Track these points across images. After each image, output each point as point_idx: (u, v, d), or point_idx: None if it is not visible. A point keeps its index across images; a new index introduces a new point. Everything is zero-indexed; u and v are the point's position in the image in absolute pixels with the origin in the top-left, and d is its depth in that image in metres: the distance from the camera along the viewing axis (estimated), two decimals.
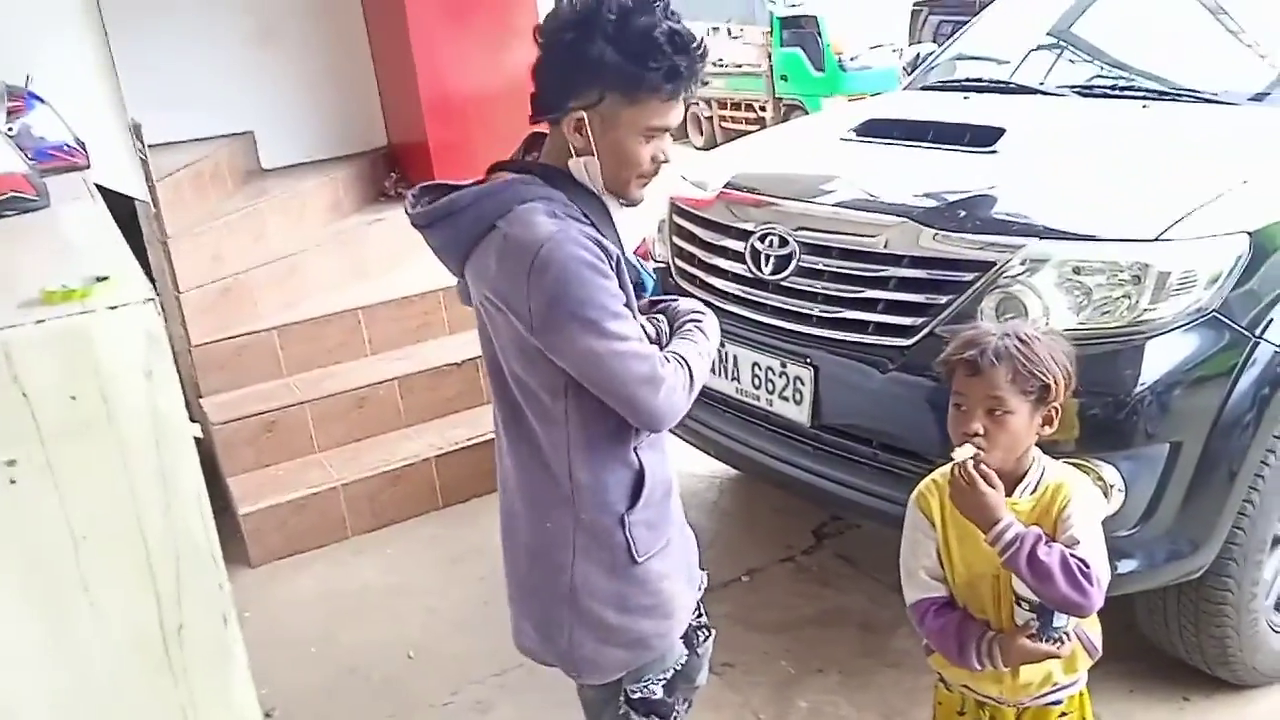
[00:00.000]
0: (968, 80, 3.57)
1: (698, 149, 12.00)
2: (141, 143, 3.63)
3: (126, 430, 1.22)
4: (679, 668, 1.78)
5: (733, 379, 2.71)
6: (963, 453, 1.60)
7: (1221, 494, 2.21)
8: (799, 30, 11.99)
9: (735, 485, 3.78)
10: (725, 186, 2.90)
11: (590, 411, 1.57)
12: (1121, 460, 2.13)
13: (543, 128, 1.66)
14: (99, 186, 2.15)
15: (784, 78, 12.21)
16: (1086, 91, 3.14)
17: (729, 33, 13.02)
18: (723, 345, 2.69)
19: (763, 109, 12.14)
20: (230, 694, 1.36)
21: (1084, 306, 2.18)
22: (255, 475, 3.69)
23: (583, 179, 1.60)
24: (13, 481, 1.16)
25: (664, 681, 1.75)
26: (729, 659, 2.81)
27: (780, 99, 12.26)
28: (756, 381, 2.66)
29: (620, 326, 1.51)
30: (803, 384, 2.53)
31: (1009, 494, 1.63)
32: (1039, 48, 3.54)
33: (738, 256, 2.72)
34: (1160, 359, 2.13)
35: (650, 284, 1.79)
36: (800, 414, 2.56)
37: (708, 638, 1.95)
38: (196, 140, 4.69)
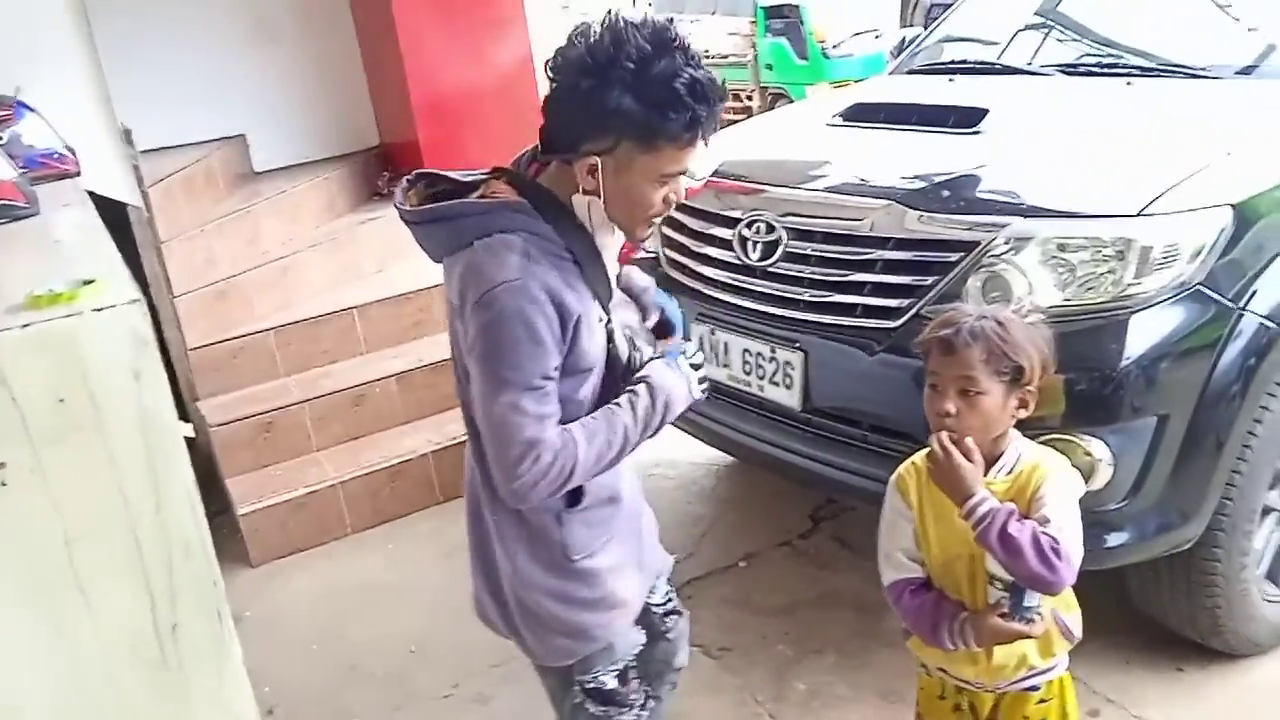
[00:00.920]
0: (954, 62, 3.57)
1: None
2: (132, 148, 3.65)
3: (115, 431, 1.24)
4: (632, 659, 1.79)
5: (724, 365, 2.72)
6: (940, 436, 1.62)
7: (1209, 465, 2.22)
8: (782, 19, 12.02)
9: (732, 472, 3.80)
10: (712, 175, 2.91)
11: None
12: (1109, 434, 2.14)
13: None
14: (90, 193, 2.16)
15: (769, 66, 12.26)
16: (1071, 70, 3.16)
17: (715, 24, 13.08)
18: (713, 332, 2.72)
19: (749, 98, 12.23)
20: (226, 690, 1.38)
21: (1069, 283, 2.19)
22: (254, 475, 3.71)
23: (582, 217, 1.58)
24: (3, 484, 1.18)
25: (616, 672, 1.77)
26: (728, 643, 2.83)
27: (766, 88, 12.26)
28: (747, 367, 2.67)
29: (525, 399, 1.49)
30: (792, 368, 2.55)
31: (984, 474, 1.64)
32: (1026, 28, 3.54)
33: (726, 244, 2.73)
34: (1145, 333, 2.15)
35: (678, 320, 1.81)
36: (791, 398, 2.57)
37: (678, 621, 1.97)
38: (188, 144, 4.69)
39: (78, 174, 2.24)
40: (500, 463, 1.53)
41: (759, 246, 2.63)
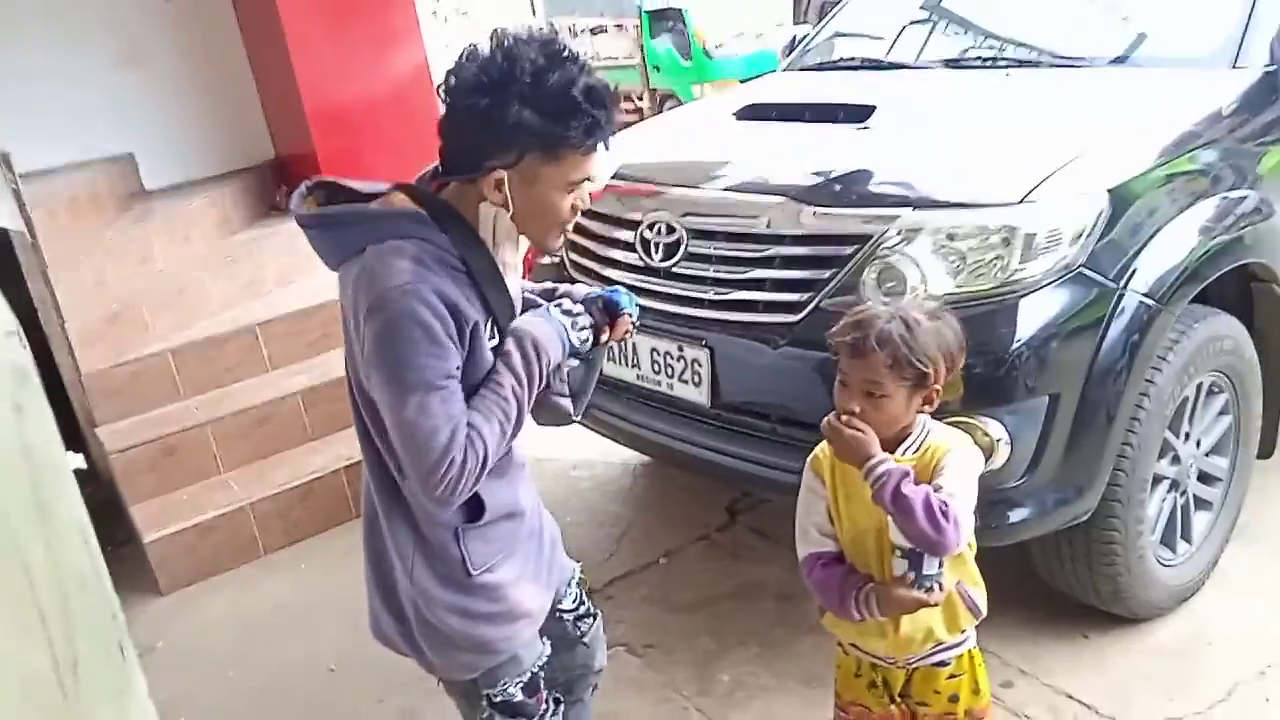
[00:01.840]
0: (844, 59, 3.66)
1: None
2: (11, 172, 3.52)
3: None
4: (538, 668, 1.79)
5: (633, 366, 2.74)
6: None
7: (1101, 439, 2.31)
8: (666, 22, 12.49)
9: (648, 470, 3.82)
10: (612, 177, 2.92)
11: None
12: (1005, 414, 2.21)
13: None
14: None
15: (656, 68, 12.73)
16: (954, 64, 3.25)
17: (605, 29, 13.30)
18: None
19: (640, 99, 12.53)
20: None
21: (960, 271, 2.26)
22: (158, 501, 3.60)
23: (485, 229, 1.57)
24: None
25: (523, 683, 1.77)
26: (650, 640, 2.85)
27: (655, 89, 12.72)
28: (656, 367, 2.70)
29: (431, 400, 1.48)
30: (700, 366, 2.58)
31: (892, 451, 1.69)
32: (912, 23, 3.63)
33: (628, 246, 2.75)
34: (1033, 316, 2.23)
35: (625, 301, 1.79)
36: (700, 395, 2.60)
37: (592, 624, 1.98)
38: (72, 165, 4.55)
39: None
40: (418, 472, 1.51)
41: (661, 247, 2.65)
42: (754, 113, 3.09)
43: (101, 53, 4.61)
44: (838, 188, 2.49)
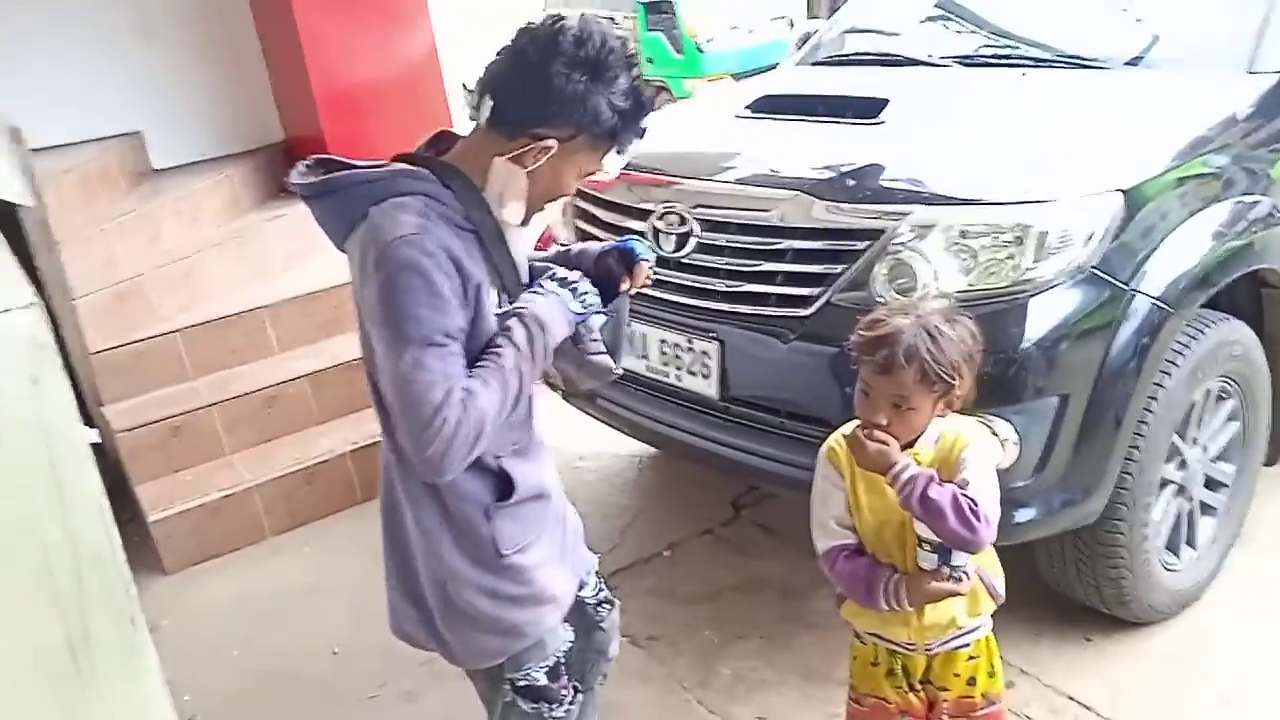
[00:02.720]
0: (857, 54, 3.65)
1: None
2: (23, 146, 3.51)
3: (15, 440, 1.20)
4: (561, 653, 1.80)
5: (642, 357, 2.74)
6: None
7: (1109, 441, 2.31)
8: (660, 15, 12.63)
9: (654, 462, 3.82)
10: (624, 168, 2.91)
11: None
12: (1014, 414, 2.21)
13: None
14: None
15: (650, 60, 12.83)
16: (969, 61, 3.24)
17: (613, 20, 13.42)
18: (630, 324, 2.73)
19: None
20: (142, 699, 1.35)
21: (971, 269, 2.26)
22: (164, 481, 3.61)
23: (493, 184, 1.58)
24: None
25: (547, 668, 1.77)
26: (653, 632, 2.86)
27: (649, 82, 12.77)
28: (665, 358, 2.70)
29: (428, 356, 1.46)
30: (709, 358, 2.58)
31: (911, 446, 1.71)
32: (925, 20, 3.63)
33: (639, 236, 2.74)
34: (1044, 316, 2.22)
35: (641, 249, 1.81)
36: (709, 388, 2.60)
37: (610, 611, 1.99)
38: (82, 142, 4.53)
39: None
40: (410, 432, 1.48)
41: (672, 238, 2.65)
42: (767, 106, 3.09)
43: (113, 31, 4.59)
44: (850, 182, 2.49)
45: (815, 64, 3.73)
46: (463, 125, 1.73)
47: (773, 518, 3.37)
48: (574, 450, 3.83)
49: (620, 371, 1.82)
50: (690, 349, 2.62)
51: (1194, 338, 2.43)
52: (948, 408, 1.71)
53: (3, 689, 1.26)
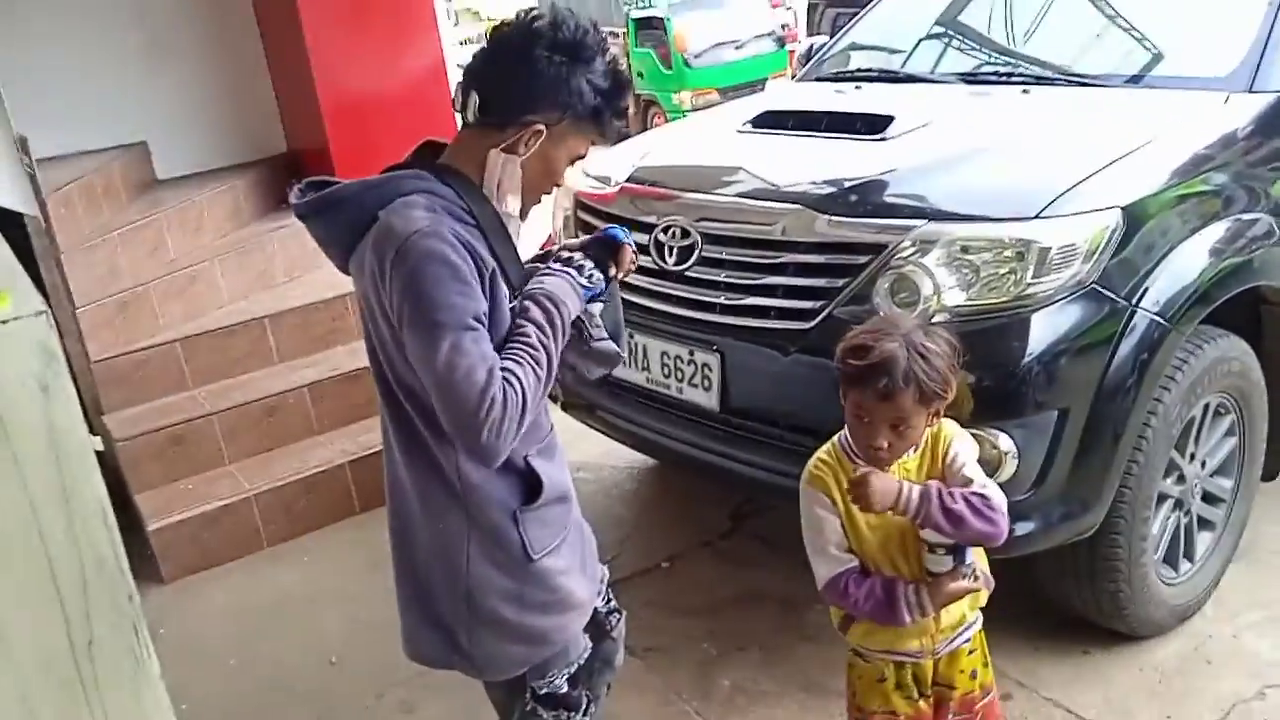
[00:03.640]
0: (860, 70, 3.67)
1: None
2: (29, 157, 3.53)
3: (23, 447, 1.20)
4: (583, 660, 1.80)
5: (643, 369, 2.75)
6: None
7: (1108, 456, 2.32)
8: (650, 31, 12.95)
9: (653, 474, 3.83)
10: (628, 181, 2.94)
11: None
12: (1014, 428, 2.22)
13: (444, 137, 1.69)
14: None
15: (640, 74, 13.12)
16: (971, 79, 3.27)
17: (613, 34, 13.74)
18: (632, 336, 2.75)
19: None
20: (145, 706, 1.35)
21: (973, 284, 2.27)
22: (164, 490, 3.62)
23: (490, 177, 1.61)
24: None
25: (569, 675, 1.78)
26: (652, 644, 2.86)
27: (639, 95, 13.13)
28: (666, 370, 2.71)
29: (465, 339, 1.46)
30: (710, 370, 2.59)
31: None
32: (928, 37, 3.65)
33: (643, 249, 2.75)
34: (1045, 331, 2.24)
35: (619, 234, 1.80)
36: (709, 400, 2.61)
37: (619, 621, 1.99)
38: (87, 153, 4.55)
39: None
40: (459, 417, 1.47)
41: (675, 251, 2.66)
42: (770, 121, 3.11)
43: (119, 42, 4.62)
44: (853, 197, 2.50)
45: (819, 79, 3.75)
46: None
47: (772, 530, 3.37)
48: (572, 461, 3.78)
49: (624, 355, 1.86)
50: (691, 361, 2.63)
51: (1193, 354, 2.44)
52: (935, 418, 1.72)
53: (7, 692, 1.26)
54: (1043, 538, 2.34)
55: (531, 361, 1.54)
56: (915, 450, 1.74)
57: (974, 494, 1.66)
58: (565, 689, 1.78)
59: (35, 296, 1.31)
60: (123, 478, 3.60)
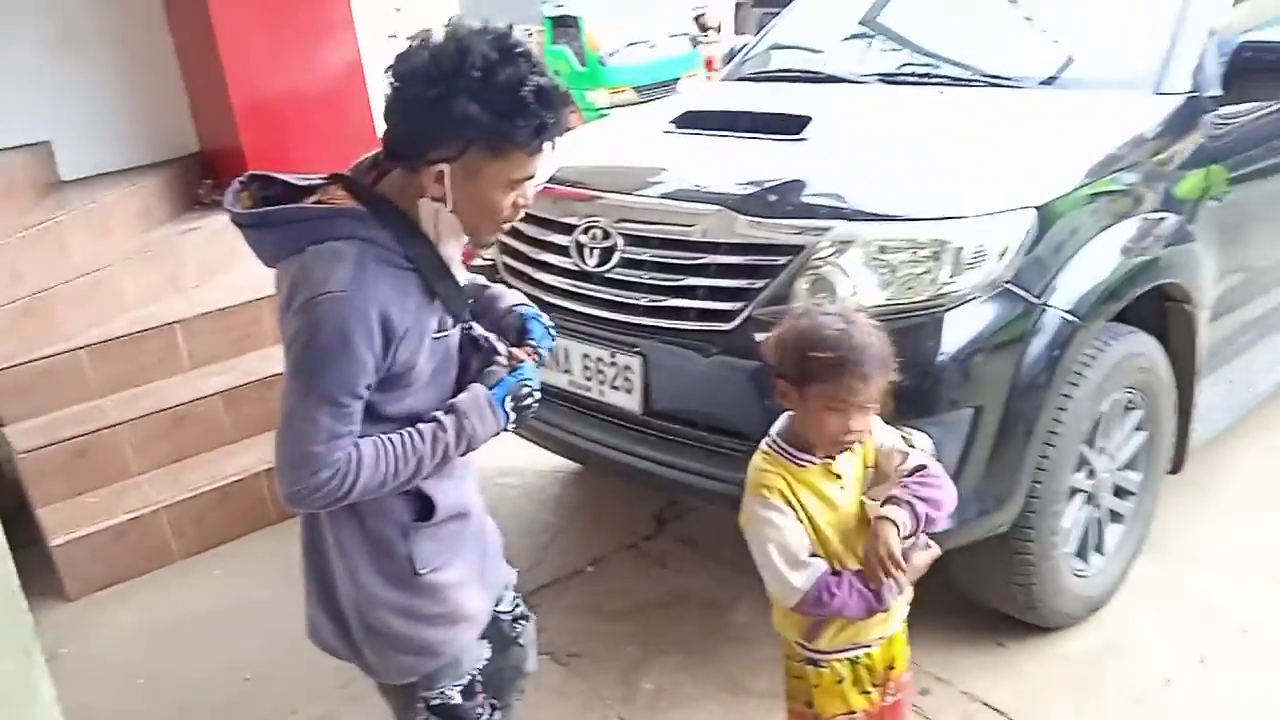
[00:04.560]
0: (781, 70, 3.69)
1: None
2: None
3: None
4: (477, 671, 1.78)
5: (565, 371, 2.73)
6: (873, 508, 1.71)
7: (1020, 452, 2.36)
8: (565, 29, 13.02)
9: (577, 478, 3.80)
10: (549, 182, 2.91)
11: (370, 433, 1.54)
12: (929, 426, 2.24)
13: None
14: None
15: (557, 73, 13.13)
16: (889, 79, 3.30)
17: (528, 33, 13.78)
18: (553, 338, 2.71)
19: None
20: None
21: (890, 283, 2.29)
22: (68, 504, 3.48)
23: (426, 226, 1.54)
24: None
25: (461, 687, 1.75)
26: (576, 648, 2.83)
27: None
28: (588, 373, 2.68)
29: (322, 413, 1.46)
30: (632, 372, 2.57)
31: (834, 457, 1.74)
32: (849, 37, 3.69)
33: (563, 251, 2.74)
34: (959, 329, 2.26)
35: (540, 334, 1.78)
36: (631, 402, 2.60)
37: (527, 626, 1.97)
38: None
39: None
40: (280, 465, 1.51)
41: (595, 253, 2.65)
42: (692, 121, 3.10)
43: (21, 38, 4.44)
44: (772, 198, 2.51)
45: (740, 79, 3.76)
46: None
47: (695, 531, 3.37)
48: (495, 466, 3.79)
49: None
50: (613, 363, 2.61)
51: (1102, 350, 2.49)
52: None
53: None
54: (959, 534, 2.34)
55: (390, 470, 1.54)
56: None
57: (930, 475, 1.74)
58: (458, 700, 1.75)
59: None
60: (25, 491, 3.46)
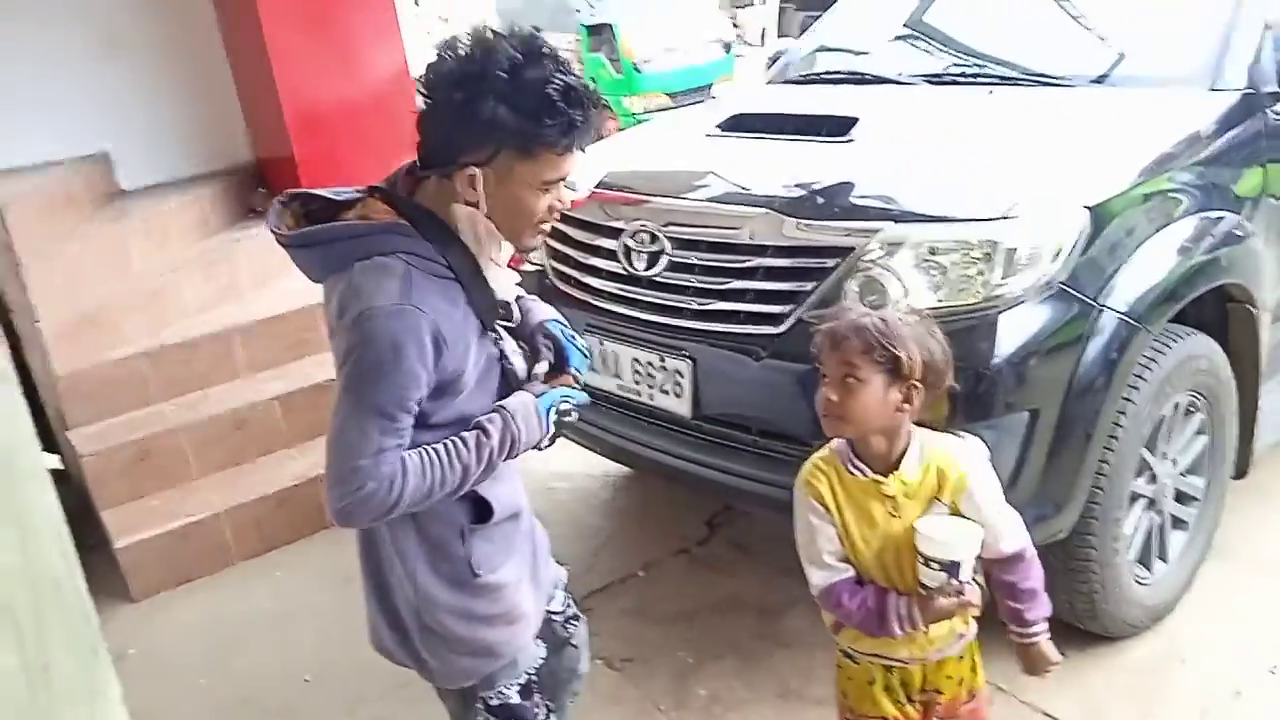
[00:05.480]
0: (827, 73, 3.67)
1: None
2: None
3: None
4: (533, 672, 1.79)
5: (614, 375, 2.74)
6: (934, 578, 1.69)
7: (1079, 456, 2.32)
8: (600, 37, 13.26)
9: (628, 482, 3.81)
10: (596, 187, 2.92)
11: (421, 443, 1.56)
12: (984, 430, 2.20)
13: None
14: None
15: (592, 79, 13.35)
16: (937, 80, 3.27)
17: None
18: (602, 343, 2.73)
19: None
20: None
21: (941, 285, 2.27)
22: (131, 507, 3.56)
23: (464, 231, 1.56)
24: None
25: (519, 686, 1.77)
26: (628, 653, 2.84)
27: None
28: (637, 377, 2.69)
29: (371, 426, 1.48)
30: (682, 376, 2.57)
31: (895, 468, 1.71)
32: (895, 38, 3.66)
33: (611, 255, 2.75)
34: (1014, 331, 2.24)
35: (577, 360, 1.79)
36: (681, 406, 2.60)
37: (579, 626, 1.98)
38: (48, 164, 4.47)
39: None
40: (328, 478, 1.52)
41: (643, 256, 2.65)
42: (737, 124, 3.10)
43: (79, 50, 4.54)
44: (820, 200, 2.50)
45: (786, 82, 3.75)
46: None
47: (747, 536, 3.36)
48: (547, 471, 3.81)
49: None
50: (663, 367, 2.61)
51: (1161, 352, 2.45)
52: (905, 402, 1.69)
53: None
54: None
55: (438, 479, 1.55)
56: (919, 464, 1.73)
57: (1032, 575, 1.80)
58: (517, 700, 1.77)
59: None
60: (89, 494, 3.54)
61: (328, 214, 1.60)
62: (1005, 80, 3.11)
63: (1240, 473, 2.89)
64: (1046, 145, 2.63)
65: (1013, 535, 1.77)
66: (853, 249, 2.34)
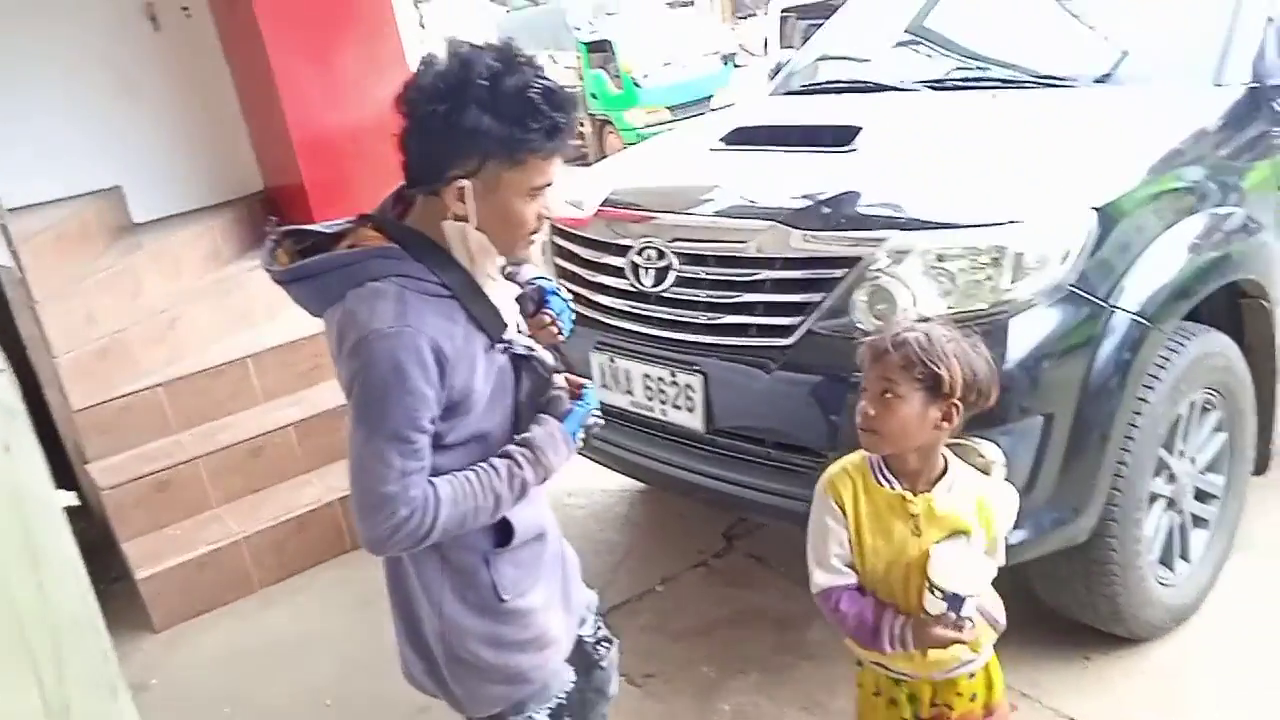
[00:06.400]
0: (830, 82, 3.67)
1: None
2: None
3: None
4: (563, 696, 1.78)
5: (626, 392, 2.74)
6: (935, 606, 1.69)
7: (1096, 458, 2.31)
8: (600, 54, 13.56)
9: (644, 497, 3.80)
10: (602, 204, 2.93)
11: (441, 466, 1.56)
12: (999, 436, 2.18)
13: None
14: None
15: (594, 96, 13.72)
16: (939, 85, 3.27)
17: (551, 59, 14.32)
18: (613, 360, 2.73)
19: (581, 125, 13.48)
20: None
21: (950, 292, 2.26)
22: (151, 538, 3.58)
23: (457, 251, 1.56)
24: None
25: (549, 710, 1.76)
26: (650, 669, 2.83)
27: (594, 115, 13.76)
28: (649, 393, 2.69)
29: (390, 450, 1.48)
30: (693, 391, 2.57)
31: (929, 489, 1.72)
32: (897, 45, 3.66)
33: (619, 272, 2.75)
34: (1025, 336, 2.22)
35: (558, 304, 1.81)
36: (694, 421, 2.59)
37: (610, 649, 1.97)
38: (60, 200, 4.53)
39: None
40: (358, 510, 1.52)
41: (651, 273, 2.65)
42: (741, 137, 3.10)
43: (89, 86, 4.60)
44: (826, 210, 2.49)
45: (788, 93, 3.75)
46: None
47: (765, 548, 3.35)
48: (563, 487, 3.81)
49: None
50: (674, 382, 2.61)
51: (1175, 351, 2.43)
52: (945, 420, 1.68)
53: None
54: (1036, 545, 2.31)
55: (470, 508, 1.56)
56: (949, 491, 1.74)
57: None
58: None
59: None
60: (109, 527, 3.56)
61: (320, 248, 1.60)
62: (1008, 83, 3.10)
63: (1260, 468, 2.87)
64: (1051, 147, 2.62)
65: None
66: (860, 259, 2.33)
